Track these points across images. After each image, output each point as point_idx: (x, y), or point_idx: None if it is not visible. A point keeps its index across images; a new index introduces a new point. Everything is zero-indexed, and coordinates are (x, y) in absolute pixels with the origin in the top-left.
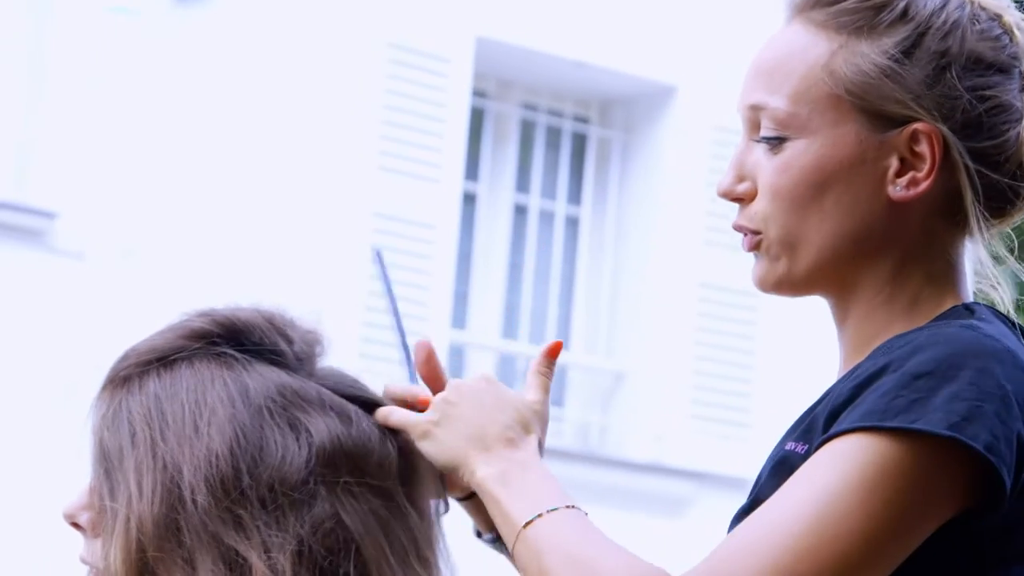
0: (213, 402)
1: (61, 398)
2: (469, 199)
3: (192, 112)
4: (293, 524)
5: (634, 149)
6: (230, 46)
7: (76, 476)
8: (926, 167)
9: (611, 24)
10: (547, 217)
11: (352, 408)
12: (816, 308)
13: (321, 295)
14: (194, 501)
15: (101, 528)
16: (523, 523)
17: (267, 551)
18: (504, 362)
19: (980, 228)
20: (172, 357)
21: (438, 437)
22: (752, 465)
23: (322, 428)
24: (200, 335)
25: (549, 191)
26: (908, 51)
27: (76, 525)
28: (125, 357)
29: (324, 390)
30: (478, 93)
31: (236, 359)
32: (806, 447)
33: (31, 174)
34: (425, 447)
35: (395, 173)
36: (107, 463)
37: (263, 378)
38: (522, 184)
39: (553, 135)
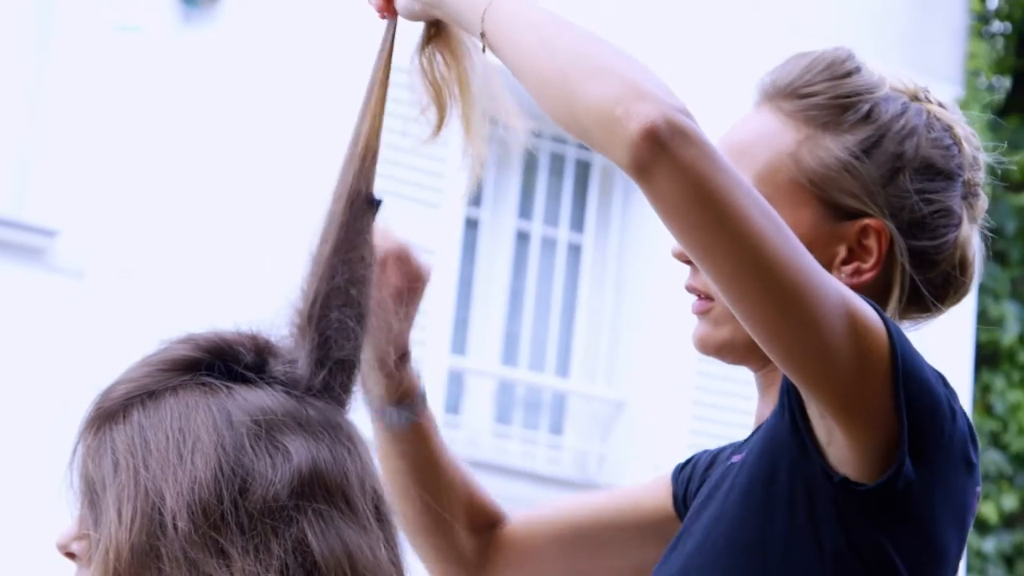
0: (197, 430)
1: (58, 417)
2: (471, 224)
3: (196, 132)
4: (275, 549)
5: None
6: (235, 65)
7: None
8: (872, 260)
9: None
10: (549, 244)
11: (333, 426)
12: None
13: None
14: (175, 527)
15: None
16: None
17: None
18: (503, 389)
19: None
20: (156, 389)
21: None
22: None
23: (301, 449)
24: (184, 364)
25: (552, 218)
26: (868, 150)
27: (70, 555)
28: (109, 391)
29: (304, 408)
30: None
31: (219, 386)
32: (743, 454)
33: (31, 192)
34: None
35: (396, 197)
36: (91, 494)
37: (246, 402)
38: (525, 210)
39: (556, 162)
